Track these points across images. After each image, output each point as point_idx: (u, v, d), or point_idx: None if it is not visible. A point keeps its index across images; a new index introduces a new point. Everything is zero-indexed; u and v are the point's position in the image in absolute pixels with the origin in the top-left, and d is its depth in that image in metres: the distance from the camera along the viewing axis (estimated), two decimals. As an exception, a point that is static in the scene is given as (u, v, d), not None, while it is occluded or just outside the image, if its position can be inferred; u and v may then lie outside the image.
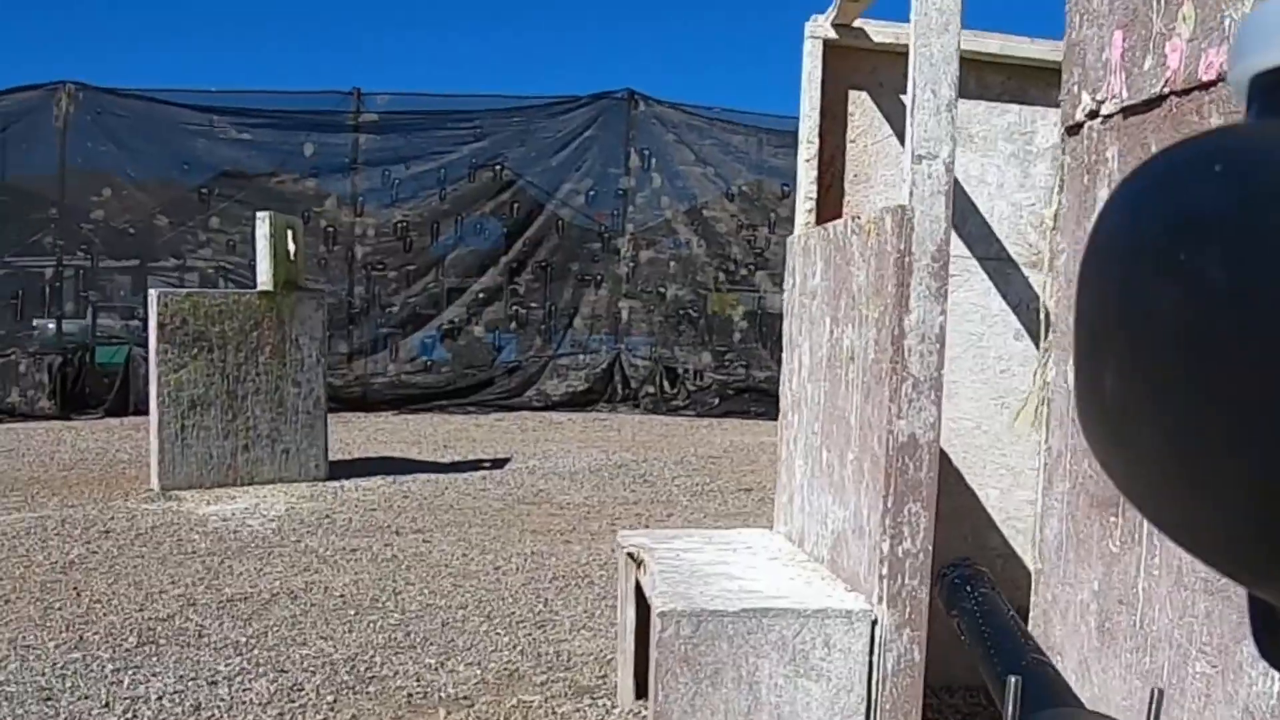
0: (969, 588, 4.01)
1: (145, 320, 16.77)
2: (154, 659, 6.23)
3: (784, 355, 5.72)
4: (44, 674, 5.97)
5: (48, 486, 11.49)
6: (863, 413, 4.35)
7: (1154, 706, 1.68)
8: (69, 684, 5.84)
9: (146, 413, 12.80)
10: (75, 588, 7.59)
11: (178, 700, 5.66)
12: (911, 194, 4.00)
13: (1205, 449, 0.60)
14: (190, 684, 5.88)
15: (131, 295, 19.76)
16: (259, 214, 12.16)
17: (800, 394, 5.32)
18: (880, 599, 4.13)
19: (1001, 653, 3.22)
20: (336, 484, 11.68)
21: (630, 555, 5.05)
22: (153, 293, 11.72)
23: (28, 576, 7.86)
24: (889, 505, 4.07)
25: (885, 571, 4.11)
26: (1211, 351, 0.58)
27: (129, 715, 5.47)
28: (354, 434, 15.93)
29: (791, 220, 5.97)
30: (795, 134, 17.26)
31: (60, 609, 7.11)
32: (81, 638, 6.54)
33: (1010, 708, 2.32)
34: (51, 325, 19.05)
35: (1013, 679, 2.32)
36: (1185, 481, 0.62)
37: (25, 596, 7.37)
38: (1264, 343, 0.56)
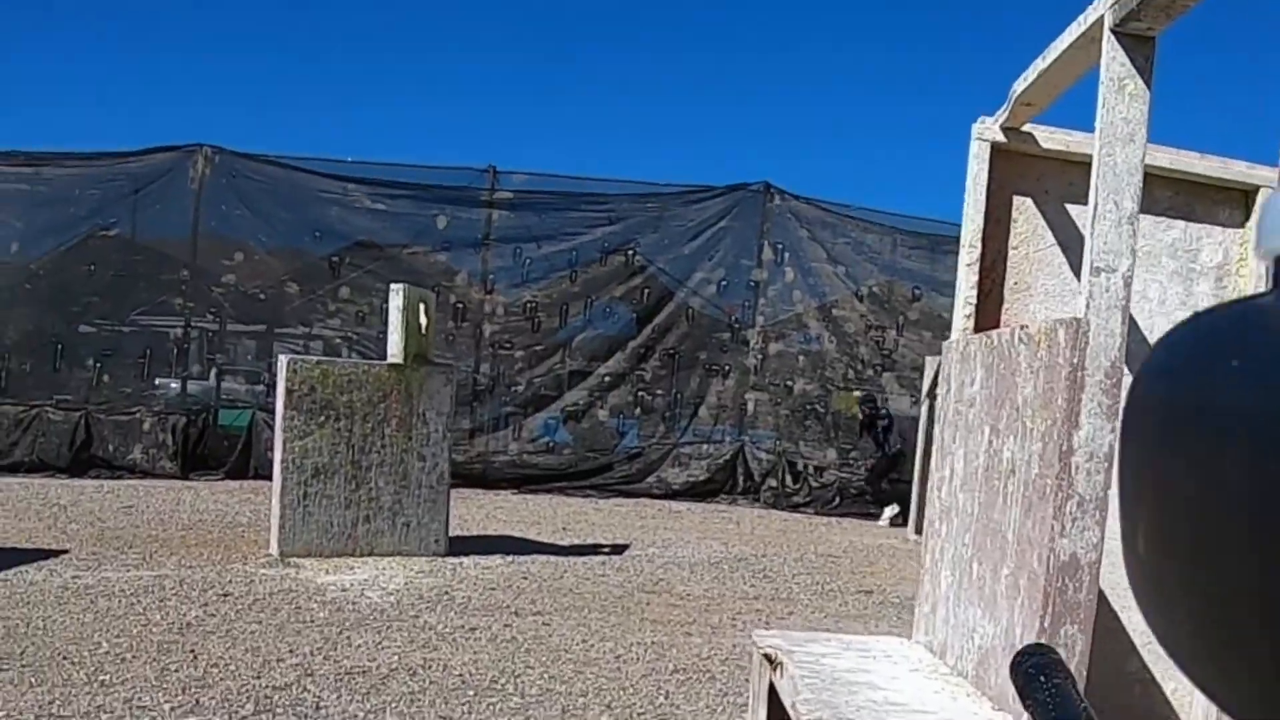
0: (1043, 678, 3.89)
1: (270, 385, 16.94)
2: (271, 729, 6.18)
3: (934, 462, 5.57)
4: (161, 738, 5.94)
5: (166, 545, 11.53)
6: (1022, 528, 4.21)
7: None
8: (186, 749, 5.81)
9: (267, 477, 12.89)
10: (192, 650, 7.57)
11: (295, 773, 5.60)
12: (1088, 306, 3.87)
13: (1230, 620, 0.64)
14: (308, 757, 5.82)
15: (256, 360, 19.96)
16: (393, 286, 12.19)
17: (950, 503, 5.18)
18: (1030, 721, 3.98)
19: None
20: (455, 560, 11.64)
21: (767, 657, 4.93)
22: (282, 358, 11.76)
23: (145, 636, 7.84)
24: (1045, 625, 3.94)
25: (1037, 694, 3.96)
26: (1231, 536, 0.62)
27: (246, 786, 5.42)
28: (473, 511, 15.92)
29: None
30: (929, 236, 17.17)
31: (177, 671, 7.08)
32: (198, 702, 6.49)
33: None
34: (176, 385, 19.25)
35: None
36: (1211, 644, 0.67)
37: (142, 656, 7.35)
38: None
